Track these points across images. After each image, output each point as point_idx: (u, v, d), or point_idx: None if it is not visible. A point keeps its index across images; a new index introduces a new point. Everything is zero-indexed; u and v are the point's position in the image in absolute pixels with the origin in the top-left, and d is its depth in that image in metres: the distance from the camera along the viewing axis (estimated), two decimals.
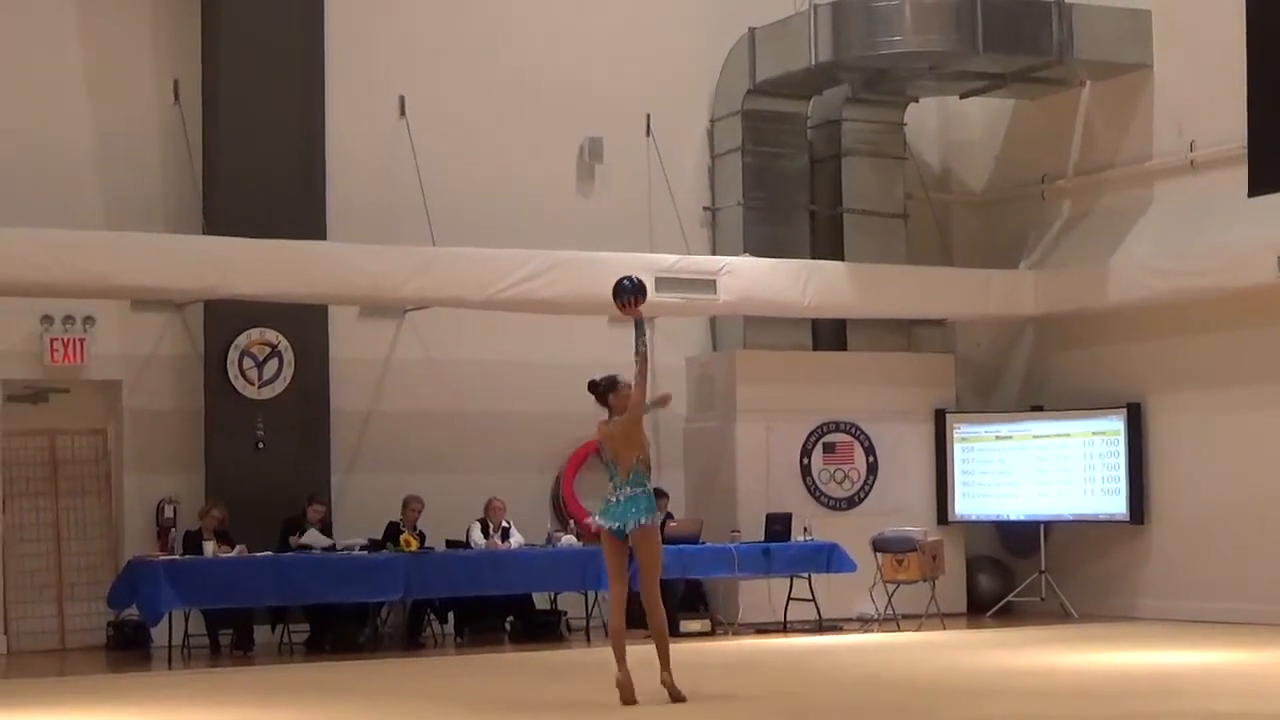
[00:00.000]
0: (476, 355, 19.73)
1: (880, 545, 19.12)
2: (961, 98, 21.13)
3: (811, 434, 20.52)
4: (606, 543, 12.53)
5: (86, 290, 17.16)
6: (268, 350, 18.62)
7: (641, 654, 12.35)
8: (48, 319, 18.09)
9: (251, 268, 17.19)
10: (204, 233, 18.03)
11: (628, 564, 12.57)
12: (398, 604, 18.35)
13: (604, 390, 12.61)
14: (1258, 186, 18.18)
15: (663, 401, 13.11)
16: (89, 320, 18.23)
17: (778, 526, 19.20)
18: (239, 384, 18.49)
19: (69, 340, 18.17)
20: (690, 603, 19.37)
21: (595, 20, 20.71)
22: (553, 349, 19.80)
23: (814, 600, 19.16)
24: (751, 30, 20.46)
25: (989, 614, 20.46)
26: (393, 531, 17.97)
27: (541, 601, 18.89)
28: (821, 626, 19.06)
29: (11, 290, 16.77)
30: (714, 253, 20.51)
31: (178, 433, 18.58)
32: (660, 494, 17.82)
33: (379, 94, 19.45)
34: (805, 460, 20.49)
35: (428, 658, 17.27)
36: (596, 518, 12.67)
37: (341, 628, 17.86)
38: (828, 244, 20.82)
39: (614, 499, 12.46)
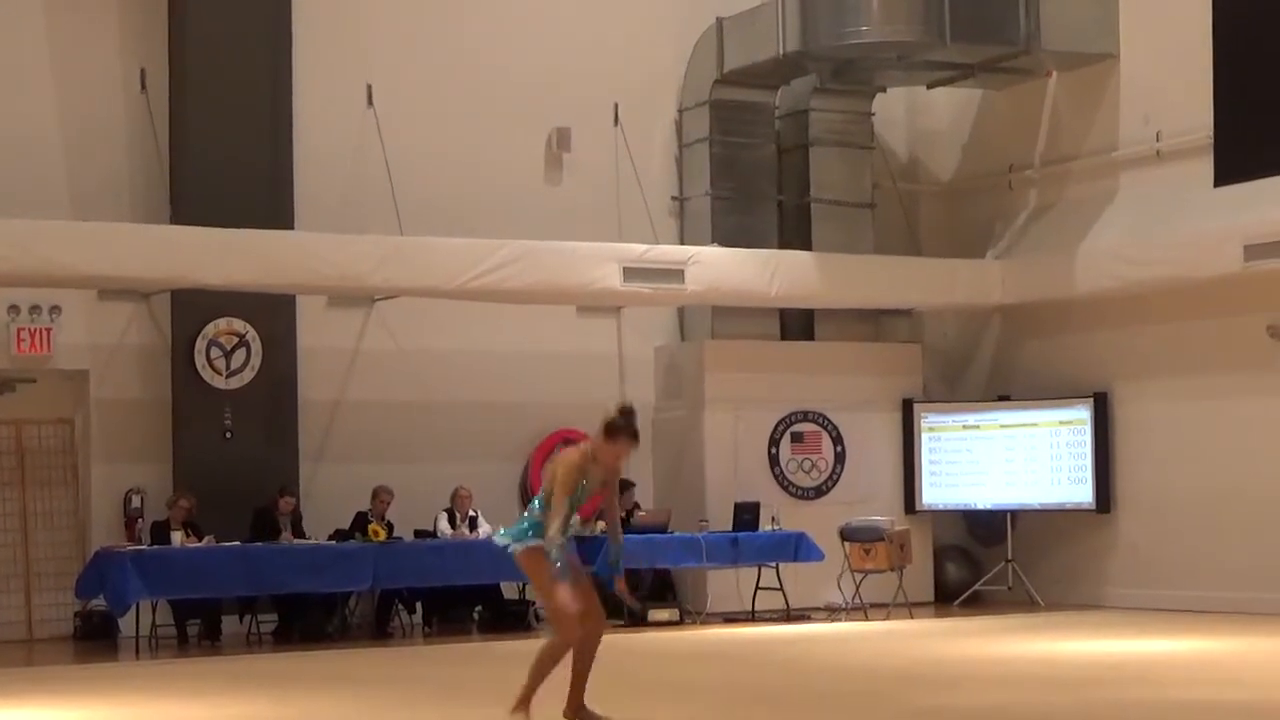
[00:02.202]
0: (445, 345, 19.69)
1: (848, 534, 19.15)
2: (929, 88, 21.16)
3: (779, 423, 20.55)
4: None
5: (53, 280, 17.10)
6: (235, 340, 18.57)
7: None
8: (14, 309, 18.01)
9: (219, 257, 17.14)
10: (171, 222, 17.99)
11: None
12: (366, 594, 18.37)
13: (632, 429, 11.02)
14: (1224, 176, 18.25)
15: None
16: (55, 310, 18.15)
17: (746, 516, 19.22)
18: (206, 374, 18.44)
19: (35, 330, 18.10)
20: (658, 592, 19.41)
21: (563, 9, 20.67)
22: (521, 338, 19.80)
23: (782, 590, 19.19)
24: (719, 20, 20.46)
25: (956, 603, 20.51)
26: (361, 522, 17.96)
27: (510, 591, 18.88)
28: (789, 616, 19.09)
29: None
30: (682, 242, 20.52)
31: (145, 423, 18.51)
32: (627, 484, 17.95)
33: (347, 83, 19.38)
34: (773, 450, 20.51)
35: (396, 647, 17.27)
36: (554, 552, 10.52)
37: (310, 618, 17.86)
38: (795, 234, 20.84)
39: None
